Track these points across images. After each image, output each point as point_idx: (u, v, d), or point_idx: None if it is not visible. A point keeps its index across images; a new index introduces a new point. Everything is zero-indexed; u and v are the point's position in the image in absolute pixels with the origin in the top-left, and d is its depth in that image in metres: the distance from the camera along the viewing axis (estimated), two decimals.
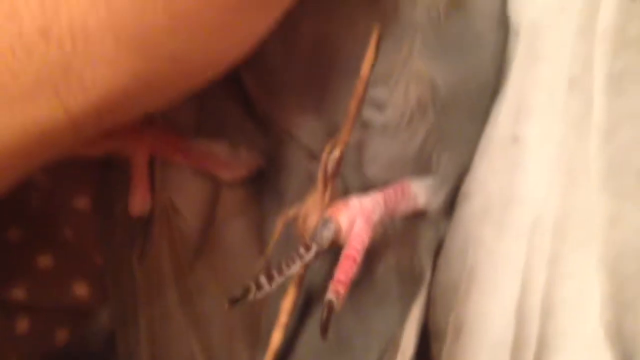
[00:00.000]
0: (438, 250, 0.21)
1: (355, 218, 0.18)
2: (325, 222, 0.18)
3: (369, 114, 0.19)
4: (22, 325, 0.22)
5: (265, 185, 0.23)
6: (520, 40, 0.18)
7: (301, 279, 0.19)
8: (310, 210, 0.19)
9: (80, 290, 0.22)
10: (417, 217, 0.21)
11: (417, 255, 0.21)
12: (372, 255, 0.20)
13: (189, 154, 0.21)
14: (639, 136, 0.16)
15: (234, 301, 0.17)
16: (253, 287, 0.17)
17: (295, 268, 0.17)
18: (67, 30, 0.14)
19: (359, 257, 0.18)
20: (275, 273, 0.17)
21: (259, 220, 0.23)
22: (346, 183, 0.21)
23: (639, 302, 0.16)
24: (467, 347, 0.18)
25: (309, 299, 0.22)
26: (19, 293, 0.22)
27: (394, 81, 0.19)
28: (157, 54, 0.15)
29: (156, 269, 0.21)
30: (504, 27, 0.19)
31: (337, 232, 0.18)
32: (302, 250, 0.18)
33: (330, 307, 0.17)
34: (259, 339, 0.22)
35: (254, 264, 0.21)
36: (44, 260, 0.22)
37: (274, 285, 0.17)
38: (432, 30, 0.19)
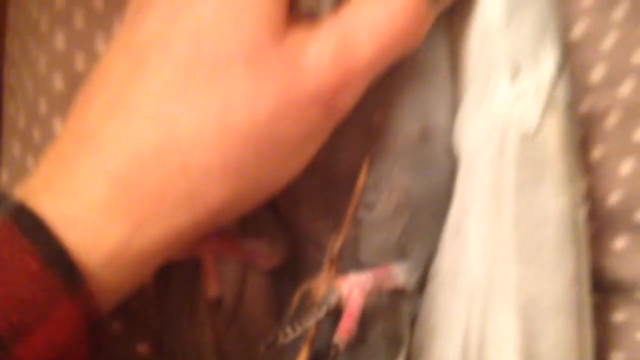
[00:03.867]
0: (414, 320, 0.28)
1: (353, 288, 0.25)
2: (331, 290, 0.25)
3: (361, 213, 0.27)
4: None
5: (283, 271, 0.30)
6: (461, 163, 0.26)
7: (312, 339, 0.26)
8: (320, 284, 0.26)
9: (142, 348, 0.29)
10: (398, 294, 0.28)
11: (399, 325, 0.28)
12: (365, 324, 0.27)
13: (240, 251, 0.28)
14: (534, 223, 0.24)
15: (267, 345, 0.24)
16: (281, 335, 0.24)
17: (311, 322, 0.24)
18: (198, 170, 0.22)
19: (356, 315, 0.25)
20: (297, 325, 0.24)
21: (277, 296, 0.30)
22: (345, 266, 0.28)
23: (541, 334, 0.23)
24: None
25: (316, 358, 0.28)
26: None
27: (380, 189, 0.27)
28: (248, 179, 0.23)
29: (200, 333, 0.28)
30: (452, 154, 0.27)
31: (340, 298, 0.25)
32: (315, 309, 0.25)
33: (336, 348, 0.24)
34: None
35: (272, 328, 0.28)
36: (116, 325, 0.29)
37: (296, 333, 0.24)
38: (407, 155, 0.26)
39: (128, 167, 0.21)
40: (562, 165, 0.24)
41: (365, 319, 0.26)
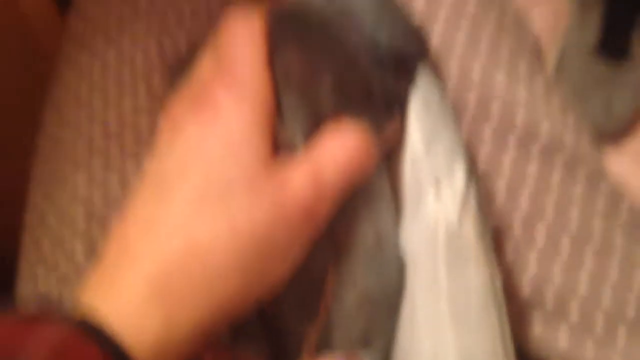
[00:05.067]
0: None
1: None
2: None
3: (332, 305, 0.34)
4: None
5: None
6: (408, 262, 0.34)
7: None
8: None
9: None
10: None
11: None
12: None
13: (233, 358, 0.34)
14: (463, 294, 0.31)
15: None
16: None
17: None
18: (214, 269, 0.28)
19: None
20: None
21: None
22: (320, 352, 0.34)
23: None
24: None
25: None
26: None
27: (346, 286, 0.34)
28: (252, 275, 0.30)
29: None
30: (400, 257, 0.35)
31: None
32: None
33: None
34: None
35: None
36: None
37: None
38: (365, 260, 0.34)
39: (160, 273, 0.29)
40: (480, 249, 0.32)
41: None
